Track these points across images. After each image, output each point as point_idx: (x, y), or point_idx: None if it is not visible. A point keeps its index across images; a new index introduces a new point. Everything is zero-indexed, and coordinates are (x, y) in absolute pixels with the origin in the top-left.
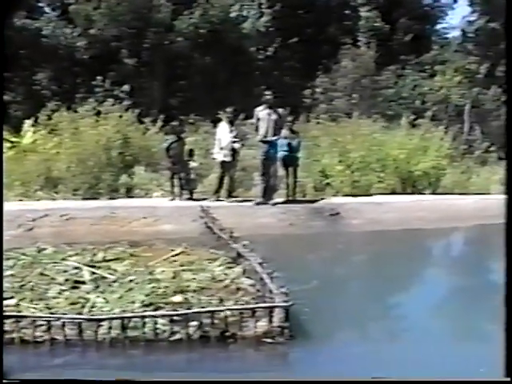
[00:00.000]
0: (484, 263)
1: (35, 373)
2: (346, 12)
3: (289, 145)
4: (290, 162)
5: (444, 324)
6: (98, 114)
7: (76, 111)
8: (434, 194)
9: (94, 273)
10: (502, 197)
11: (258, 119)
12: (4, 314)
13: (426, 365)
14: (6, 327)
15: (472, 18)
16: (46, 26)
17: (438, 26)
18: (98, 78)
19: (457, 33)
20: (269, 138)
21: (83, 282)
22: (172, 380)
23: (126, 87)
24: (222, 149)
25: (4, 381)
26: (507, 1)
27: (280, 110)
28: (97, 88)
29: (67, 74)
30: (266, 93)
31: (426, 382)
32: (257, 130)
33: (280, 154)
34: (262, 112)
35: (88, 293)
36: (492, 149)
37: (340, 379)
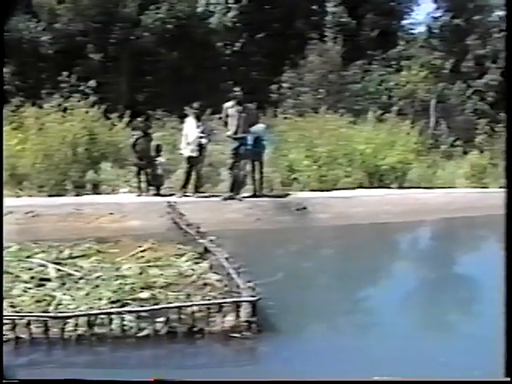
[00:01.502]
0: (450, 256)
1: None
2: (313, 7)
3: (255, 140)
4: (256, 156)
5: (412, 316)
6: (64, 109)
7: (41, 107)
8: (400, 188)
9: (59, 270)
10: (467, 190)
11: (227, 115)
12: None
13: (394, 357)
14: None
15: (437, 14)
16: (9, 20)
17: (404, 22)
18: (64, 73)
19: (422, 29)
20: (238, 134)
21: (49, 280)
22: (173, 380)
23: (92, 83)
24: (188, 144)
25: (4, 381)
26: (507, 1)
27: (249, 106)
28: (62, 83)
29: (32, 69)
30: (235, 89)
31: (426, 382)
32: (225, 125)
33: (248, 149)
34: (231, 108)
35: (54, 290)
36: (457, 143)
37: (340, 379)
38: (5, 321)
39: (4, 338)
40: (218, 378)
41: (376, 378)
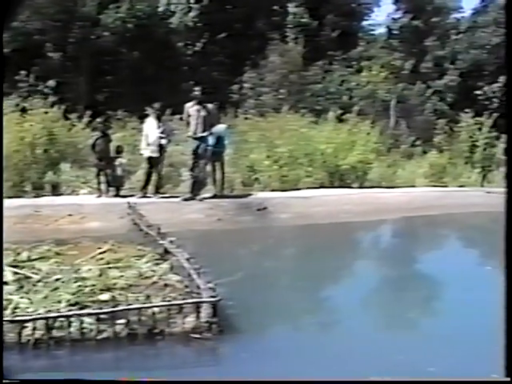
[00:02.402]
0: (410, 254)
1: None
2: (274, 7)
3: (216, 140)
4: (217, 157)
5: (373, 315)
6: (23, 110)
7: None
8: (361, 187)
9: (17, 273)
10: (427, 189)
11: (189, 115)
12: None
13: (356, 356)
14: None
15: (397, 16)
16: None
17: (365, 23)
18: (22, 72)
19: (382, 30)
20: (199, 134)
21: (6, 283)
22: (172, 380)
23: (51, 82)
24: (149, 145)
25: (4, 381)
26: (507, 1)
27: (210, 106)
28: (20, 83)
29: None
30: (196, 89)
31: (426, 382)
32: (188, 125)
33: (208, 149)
34: (191, 108)
35: (11, 294)
36: (417, 143)
37: (340, 379)
38: None
39: None
40: (179, 378)
41: (375, 378)
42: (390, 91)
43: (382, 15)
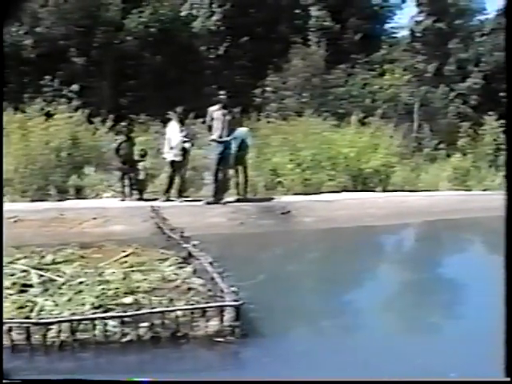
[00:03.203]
0: (433, 258)
1: None
2: (297, 11)
3: (239, 144)
4: (240, 160)
5: (395, 318)
6: (47, 114)
7: (24, 111)
8: (384, 191)
9: (42, 276)
10: (450, 193)
11: (212, 119)
12: None
13: (379, 360)
14: None
15: (419, 18)
16: None
17: (387, 26)
18: (47, 77)
19: (405, 32)
20: (223, 138)
21: (31, 286)
22: (172, 380)
23: (75, 87)
24: (172, 148)
25: (4, 381)
26: (507, 1)
27: (234, 110)
28: (45, 88)
29: (14, 73)
30: (220, 92)
31: (426, 382)
32: (210, 129)
33: (231, 152)
34: (215, 112)
35: (36, 296)
36: (441, 146)
37: (340, 379)
38: None
39: None
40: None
41: (376, 379)
42: (412, 94)
43: (405, 18)
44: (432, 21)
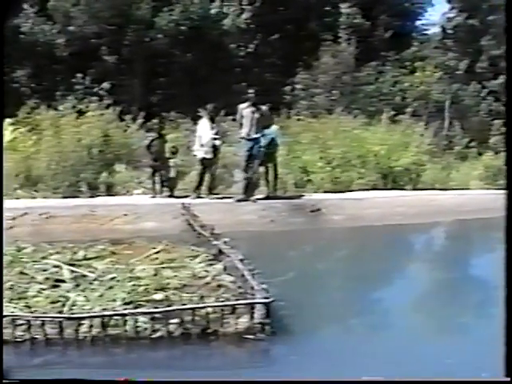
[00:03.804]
0: (464, 257)
1: (15, 373)
2: (327, 8)
3: (268, 141)
4: (270, 158)
5: (424, 317)
6: (79, 111)
7: (56, 109)
8: (414, 189)
9: (74, 271)
10: (482, 192)
11: (242, 116)
12: None
13: (408, 360)
14: None
15: (451, 15)
16: (25, 23)
17: (418, 23)
18: (78, 75)
19: (436, 29)
20: (253, 136)
21: (63, 281)
22: (172, 380)
23: (106, 85)
24: (202, 146)
25: (4, 381)
26: (507, 1)
27: (263, 108)
28: (77, 85)
29: (47, 71)
30: (250, 90)
31: (426, 382)
32: (240, 126)
33: (261, 150)
34: (245, 109)
35: (68, 291)
36: (472, 144)
37: (340, 379)
38: (20, 321)
39: (19, 338)
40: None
41: (376, 378)
42: (444, 92)
43: (436, 14)
44: (464, 17)
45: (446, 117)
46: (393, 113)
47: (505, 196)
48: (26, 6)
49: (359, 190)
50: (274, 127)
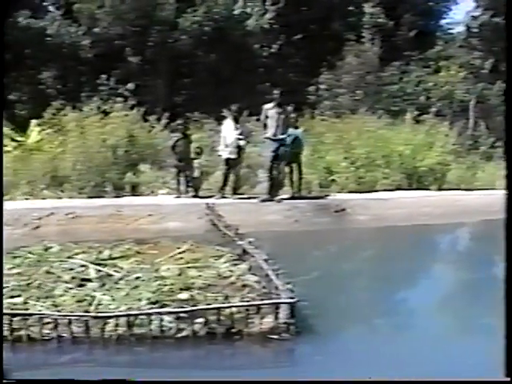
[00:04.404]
0: (490, 258)
1: (43, 370)
2: (350, 8)
3: (293, 141)
4: (295, 158)
5: (450, 319)
6: (104, 112)
7: (81, 110)
8: (439, 189)
9: (100, 270)
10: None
11: (267, 116)
12: (11, 311)
13: (432, 361)
14: (14, 325)
15: (476, 13)
16: (51, 25)
17: (443, 22)
18: (103, 76)
19: (461, 28)
20: (278, 136)
21: (89, 280)
22: (172, 380)
23: (130, 85)
24: (227, 146)
25: (4, 381)
26: (507, 1)
27: (288, 108)
28: (101, 86)
29: (72, 72)
30: (275, 91)
31: (426, 382)
32: (265, 127)
33: (286, 150)
34: (270, 110)
35: (94, 290)
36: (497, 144)
37: (340, 379)
38: (47, 320)
39: (47, 336)
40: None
41: (377, 378)
42: (468, 91)
43: (461, 13)
44: (489, 16)
45: (470, 116)
46: (417, 113)
47: (505, 196)
48: (51, 8)
49: (384, 190)
50: (299, 130)
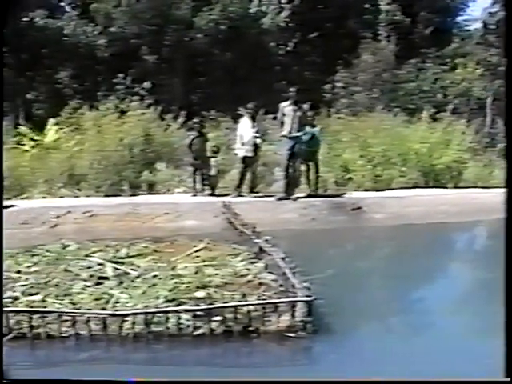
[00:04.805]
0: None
1: (61, 367)
2: (366, 6)
3: (310, 139)
4: (311, 156)
5: (465, 317)
6: (121, 111)
7: (98, 109)
8: (456, 187)
9: (117, 269)
10: None
11: (284, 114)
12: (30, 309)
13: (448, 360)
14: (33, 323)
15: (493, 10)
16: (67, 25)
17: (459, 19)
18: (119, 75)
19: (478, 25)
20: (294, 134)
21: (107, 278)
22: (172, 380)
23: (146, 84)
24: (243, 144)
25: (4, 381)
26: (507, 1)
27: (304, 106)
28: (118, 85)
29: (89, 72)
30: (291, 89)
31: (426, 382)
32: (281, 125)
33: (302, 148)
34: (287, 108)
35: (112, 288)
36: None
37: (340, 379)
38: (66, 317)
39: (65, 334)
40: (273, 378)
41: (377, 378)
42: (485, 88)
43: (478, 10)
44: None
45: (487, 114)
46: (433, 110)
47: (504, 195)
48: (68, 8)
49: (400, 188)
50: (316, 128)
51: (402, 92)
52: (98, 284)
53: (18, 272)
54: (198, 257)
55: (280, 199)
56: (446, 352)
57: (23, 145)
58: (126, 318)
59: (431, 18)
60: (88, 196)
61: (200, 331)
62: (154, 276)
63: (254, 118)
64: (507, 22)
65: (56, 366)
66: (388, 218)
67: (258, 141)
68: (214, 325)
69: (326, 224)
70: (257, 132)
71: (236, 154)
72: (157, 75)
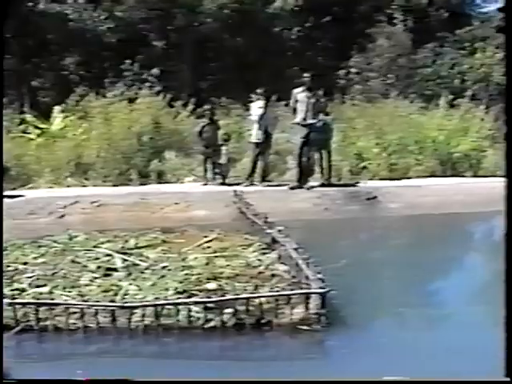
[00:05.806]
0: None
1: (69, 360)
2: None
3: (323, 127)
4: (324, 145)
5: (484, 311)
6: (129, 98)
7: (105, 96)
8: (474, 176)
9: (126, 260)
10: None
11: (296, 101)
12: (38, 301)
13: (465, 353)
14: (40, 315)
15: None
16: (73, 10)
17: (478, 1)
18: (127, 61)
19: (498, 6)
20: (308, 121)
21: (115, 270)
22: (172, 380)
23: (155, 71)
24: (256, 131)
25: (4, 381)
26: (507, 1)
27: (319, 92)
28: (126, 72)
29: (95, 58)
30: (305, 74)
31: (426, 382)
32: (294, 112)
33: (316, 136)
34: (300, 94)
35: (120, 280)
36: None
37: (340, 379)
38: (74, 309)
39: (73, 326)
40: (286, 371)
41: (378, 379)
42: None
43: None
44: None
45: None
46: (451, 97)
47: (505, 185)
48: None
49: (417, 177)
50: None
51: (418, 78)
52: (107, 275)
53: (25, 263)
54: (208, 247)
55: (293, 188)
56: (461, 346)
57: (29, 133)
58: (135, 311)
59: (449, 0)
60: (95, 185)
61: (211, 324)
62: (164, 267)
63: (266, 105)
64: (507, 21)
65: (64, 360)
66: (404, 207)
67: (271, 128)
68: (225, 317)
69: (340, 214)
70: (269, 119)
71: (249, 142)
72: (165, 61)
